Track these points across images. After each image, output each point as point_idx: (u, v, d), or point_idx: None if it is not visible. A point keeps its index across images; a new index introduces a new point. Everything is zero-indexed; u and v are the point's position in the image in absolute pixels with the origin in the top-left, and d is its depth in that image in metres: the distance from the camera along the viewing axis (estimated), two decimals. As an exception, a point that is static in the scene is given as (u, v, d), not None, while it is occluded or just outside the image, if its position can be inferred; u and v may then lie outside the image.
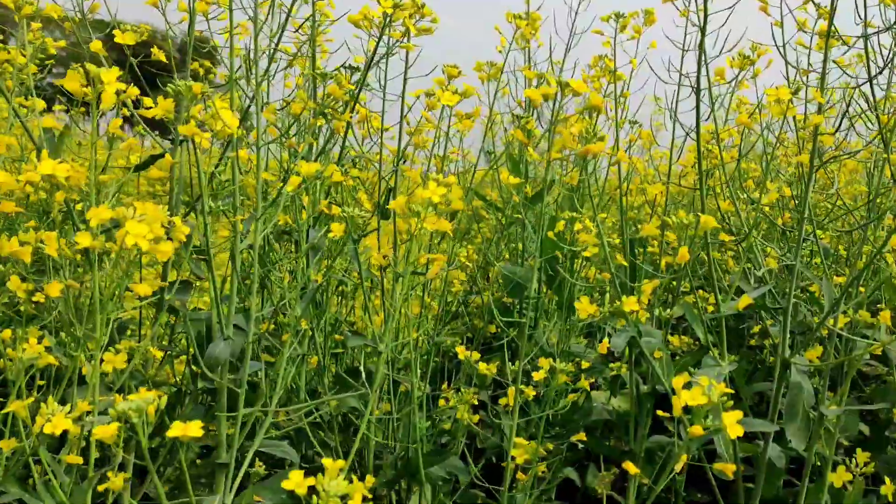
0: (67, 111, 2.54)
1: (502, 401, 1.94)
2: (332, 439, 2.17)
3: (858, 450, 1.93)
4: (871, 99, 1.95)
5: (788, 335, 1.91)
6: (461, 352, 2.01)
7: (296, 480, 1.03)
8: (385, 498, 2.22)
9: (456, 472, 2.01)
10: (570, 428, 2.44)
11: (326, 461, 1.06)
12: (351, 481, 1.05)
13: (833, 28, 1.94)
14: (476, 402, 2.18)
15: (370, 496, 1.05)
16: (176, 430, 1.09)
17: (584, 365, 2.33)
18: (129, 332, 2.42)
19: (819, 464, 2.17)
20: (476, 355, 2.02)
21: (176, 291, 1.90)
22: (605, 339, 1.86)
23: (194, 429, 1.09)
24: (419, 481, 1.95)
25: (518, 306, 2.62)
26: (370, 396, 1.51)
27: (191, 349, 1.80)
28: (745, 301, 1.75)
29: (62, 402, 1.42)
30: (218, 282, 2.27)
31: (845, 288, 1.78)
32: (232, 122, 1.27)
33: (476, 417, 2.16)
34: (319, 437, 2.21)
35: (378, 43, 1.84)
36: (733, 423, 1.20)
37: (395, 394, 2.18)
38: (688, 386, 1.23)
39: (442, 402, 2.22)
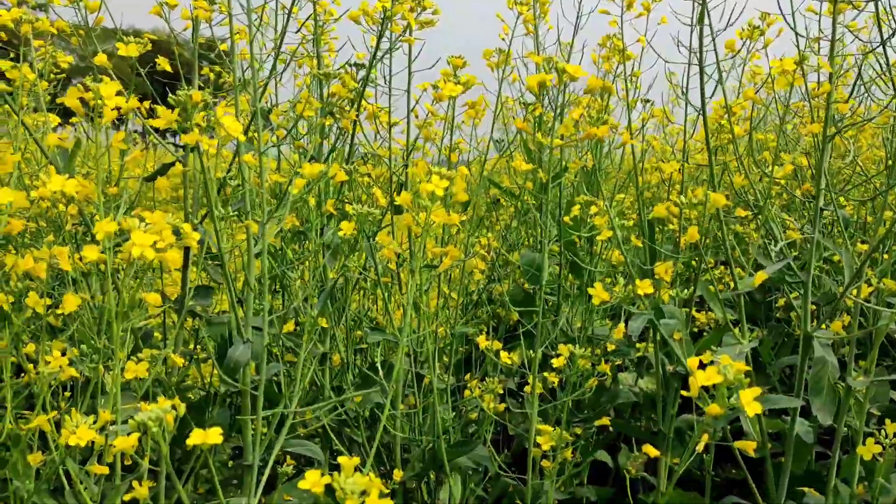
0: (91, 119, 2.56)
1: (527, 388, 1.94)
2: (358, 435, 2.19)
3: (888, 420, 1.90)
4: (886, 62, 1.91)
5: (811, 308, 1.89)
6: (482, 342, 2.01)
7: (312, 480, 1.03)
8: (416, 490, 2.23)
9: (482, 461, 2.01)
10: (598, 411, 2.44)
11: (342, 459, 1.06)
12: (378, 476, 1.06)
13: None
14: (502, 391, 2.18)
15: (387, 491, 1.05)
16: (196, 437, 1.10)
17: (610, 347, 2.32)
18: (158, 337, 2.46)
19: (852, 435, 2.14)
20: (497, 345, 2.01)
21: (197, 296, 1.93)
22: (622, 324, 1.84)
23: (214, 436, 1.10)
24: (446, 473, 1.96)
25: (540, 293, 2.62)
26: (390, 390, 1.52)
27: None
28: (761, 277, 1.73)
29: (92, 410, 1.45)
30: (239, 285, 2.29)
31: (866, 257, 1.75)
32: (234, 127, 1.27)
33: (502, 406, 2.16)
34: (346, 433, 2.23)
35: (380, 38, 1.83)
36: (751, 401, 1.18)
37: (419, 387, 2.19)
38: (704, 366, 1.22)
39: (467, 392, 2.22)
